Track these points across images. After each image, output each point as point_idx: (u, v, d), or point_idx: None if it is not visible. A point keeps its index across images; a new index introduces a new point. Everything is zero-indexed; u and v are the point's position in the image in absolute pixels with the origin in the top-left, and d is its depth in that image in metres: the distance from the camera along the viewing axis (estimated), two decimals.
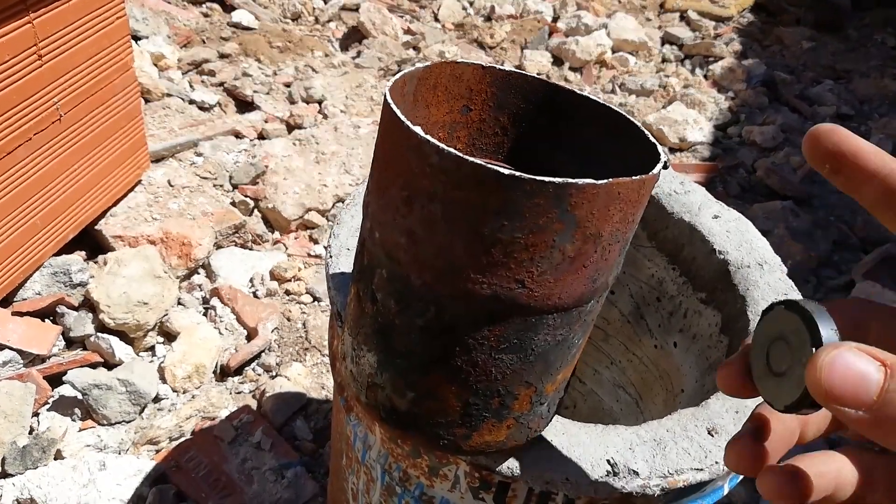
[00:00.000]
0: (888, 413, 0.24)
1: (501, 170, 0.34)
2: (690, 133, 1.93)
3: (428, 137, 0.35)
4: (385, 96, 0.38)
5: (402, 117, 0.36)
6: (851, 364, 0.25)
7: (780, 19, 2.78)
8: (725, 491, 0.58)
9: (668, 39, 2.49)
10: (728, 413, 0.56)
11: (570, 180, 0.34)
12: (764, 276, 0.76)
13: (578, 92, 0.48)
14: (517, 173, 0.34)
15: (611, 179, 0.35)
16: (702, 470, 0.51)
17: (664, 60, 2.37)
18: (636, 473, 0.51)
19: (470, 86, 0.48)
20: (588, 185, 0.34)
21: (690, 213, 0.80)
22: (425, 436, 0.43)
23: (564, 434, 0.54)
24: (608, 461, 0.51)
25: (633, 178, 0.36)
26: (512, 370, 0.41)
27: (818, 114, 2.17)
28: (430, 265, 0.38)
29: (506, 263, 0.36)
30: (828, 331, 0.28)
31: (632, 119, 0.45)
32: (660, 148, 0.41)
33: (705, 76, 2.30)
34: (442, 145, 0.35)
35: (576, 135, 0.48)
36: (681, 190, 0.83)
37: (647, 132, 0.43)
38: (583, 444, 0.53)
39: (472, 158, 0.34)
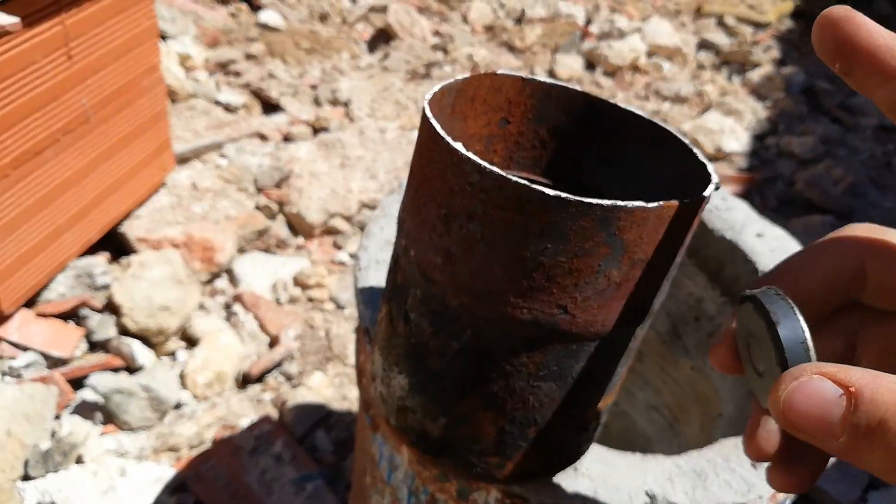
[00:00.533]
0: (855, 441, 0.23)
1: (546, 191, 0.32)
2: (727, 142, 1.88)
3: (469, 155, 0.33)
4: (424, 110, 0.37)
5: (443, 133, 0.35)
6: (814, 394, 0.24)
7: None
8: None
9: (704, 45, 2.44)
10: None
11: (619, 203, 0.32)
12: None
13: (622, 106, 0.46)
14: (563, 195, 0.32)
15: (662, 203, 0.33)
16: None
17: (700, 67, 2.32)
18: None
19: (509, 98, 0.46)
20: (638, 209, 0.32)
21: (733, 230, 0.77)
22: (457, 463, 0.42)
23: (602, 463, 0.52)
24: (647, 493, 0.49)
25: (686, 201, 0.34)
26: (550, 398, 0.39)
27: (860, 125, 2.10)
28: (468, 287, 0.36)
29: (548, 288, 0.35)
30: (791, 341, 0.28)
31: (680, 137, 0.42)
32: (710, 168, 0.38)
33: (742, 84, 2.25)
34: (484, 163, 0.33)
35: (619, 150, 0.47)
36: (723, 206, 0.80)
37: (696, 151, 0.41)
38: (620, 473, 0.51)
39: (515, 178, 0.33)
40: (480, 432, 0.40)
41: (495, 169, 0.33)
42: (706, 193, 0.35)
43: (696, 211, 0.35)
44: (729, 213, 0.80)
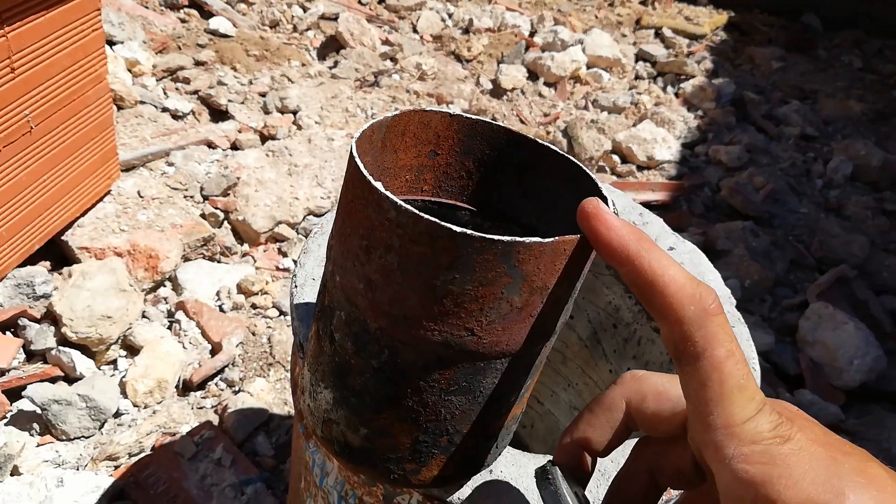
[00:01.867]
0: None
1: (454, 228, 0.36)
2: (659, 152, 1.96)
3: (387, 194, 0.37)
4: (351, 148, 0.40)
5: (365, 172, 0.38)
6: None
7: (753, 38, 2.84)
8: None
9: (642, 56, 2.53)
10: None
11: (518, 239, 0.36)
12: None
13: (540, 142, 0.49)
14: (468, 231, 0.36)
15: (557, 238, 0.37)
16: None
17: (637, 77, 2.41)
18: None
19: (437, 132, 0.50)
20: (535, 244, 0.36)
21: None
22: (376, 470, 0.45)
23: (514, 465, 0.56)
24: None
25: (579, 235, 0.37)
26: (461, 411, 0.43)
27: (783, 134, 2.22)
28: (386, 312, 0.40)
29: (456, 313, 0.38)
30: None
31: (588, 171, 0.47)
32: (610, 201, 0.43)
33: (676, 94, 2.34)
34: (399, 202, 0.36)
35: (537, 182, 0.50)
36: (639, 221, 0.85)
37: (601, 185, 0.45)
38: (531, 474, 0.55)
39: (427, 216, 0.36)
40: (397, 442, 0.44)
41: (409, 207, 0.36)
42: None
43: (589, 243, 0.39)
44: (645, 227, 0.85)
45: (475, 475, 0.50)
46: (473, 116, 0.50)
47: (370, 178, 0.38)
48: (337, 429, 0.45)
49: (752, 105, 2.32)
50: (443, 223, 0.36)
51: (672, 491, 0.42)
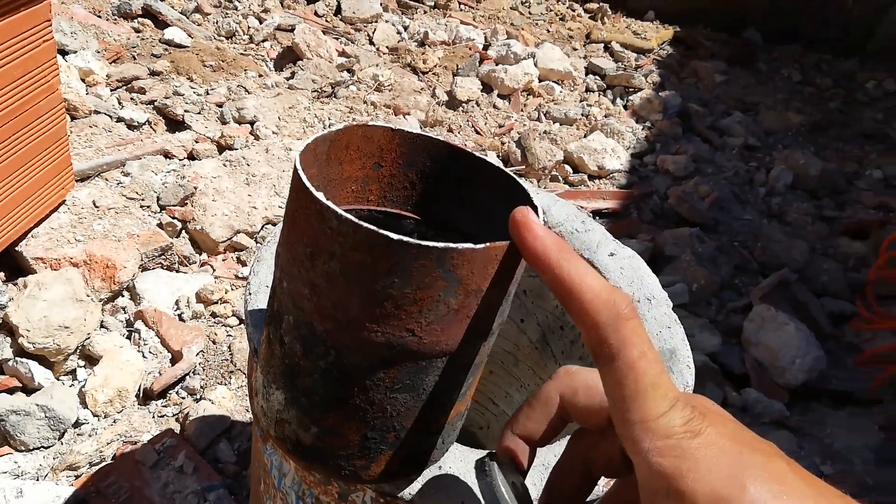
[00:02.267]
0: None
1: (392, 235, 0.38)
2: (609, 161, 2.04)
3: (328, 204, 0.39)
4: (295, 161, 0.42)
5: (308, 184, 0.40)
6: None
7: (697, 53, 2.95)
8: None
9: (592, 70, 2.61)
10: None
11: (452, 245, 0.38)
12: (651, 310, 0.83)
13: (477, 155, 0.53)
14: (405, 239, 0.38)
15: (487, 244, 0.39)
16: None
17: (588, 90, 2.49)
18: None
19: (381, 145, 0.52)
20: (467, 250, 0.39)
21: (589, 250, 0.87)
22: (328, 467, 0.47)
23: (462, 461, 0.58)
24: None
25: (508, 241, 0.40)
26: (406, 408, 0.45)
27: (727, 144, 2.32)
28: (331, 315, 0.42)
29: (397, 315, 0.41)
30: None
31: (521, 183, 0.51)
32: (540, 210, 0.46)
33: (625, 106, 2.43)
34: (341, 211, 0.39)
35: (475, 192, 0.53)
36: (581, 228, 0.90)
37: (532, 195, 0.49)
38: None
39: (366, 225, 0.38)
40: (346, 440, 0.46)
41: (350, 216, 0.38)
42: None
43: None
44: (587, 234, 0.90)
45: (424, 470, 0.52)
46: (414, 131, 0.52)
47: (312, 189, 0.40)
48: (289, 428, 0.47)
49: (697, 117, 2.42)
50: (381, 231, 0.38)
51: (606, 480, 0.45)
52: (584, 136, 2.15)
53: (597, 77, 2.57)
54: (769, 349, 1.51)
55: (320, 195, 0.40)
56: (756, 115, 2.57)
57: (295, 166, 0.42)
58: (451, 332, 0.42)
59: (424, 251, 0.38)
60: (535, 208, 0.46)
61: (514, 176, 0.51)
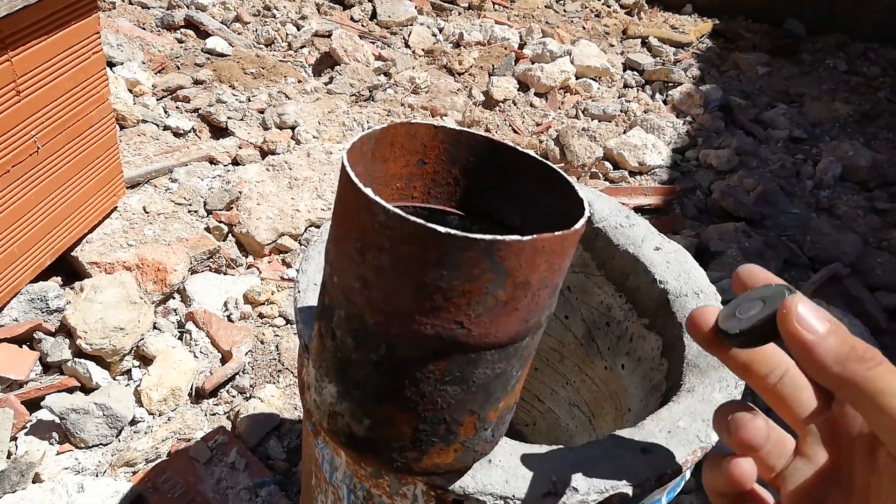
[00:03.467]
0: (827, 346, 0.34)
1: (439, 228, 0.38)
2: (649, 157, 2.01)
3: (377, 199, 0.40)
4: (343, 159, 0.43)
5: (356, 180, 0.41)
6: (810, 307, 0.35)
7: (737, 45, 2.90)
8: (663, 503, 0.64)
9: (629, 65, 2.59)
10: (661, 433, 0.61)
11: (499, 237, 0.39)
12: (699, 304, 0.82)
13: (518, 149, 0.53)
14: (453, 231, 0.38)
15: (535, 236, 0.39)
16: (635, 486, 0.57)
17: (626, 86, 2.47)
18: (576, 490, 0.56)
19: (424, 143, 0.53)
20: (514, 241, 0.39)
21: (634, 244, 0.86)
22: (380, 459, 0.48)
23: (512, 455, 0.58)
24: (551, 479, 0.56)
25: (556, 233, 0.40)
26: (456, 400, 0.46)
27: (772, 137, 2.27)
28: (381, 308, 0.42)
29: (446, 307, 0.41)
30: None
31: (563, 175, 0.51)
32: (586, 203, 0.46)
33: (664, 101, 2.40)
34: (389, 206, 0.39)
35: (518, 186, 0.54)
36: (626, 223, 0.89)
37: (576, 188, 0.49)
38: (529, 463, 0.57)
39: (413, 218, 0.39)
40: (399, 432, 0.46)
41: (398, 211, 0.39)
42: (576, 226, 0.42)
43: (567, 240, 0.41)
44: (631, 229, 0.89)
45: (474, 464, 0.52)
46: (457, 128, 0.53)
47: (360, 185, 0.40)
48: (342, 420, 0.48)
49: (740, 110, 2.37)
50: (428, 224, 0.38)
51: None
52: (624, 133, 2.13)
53: (635, 73, 2.54)
54: None
55: (368, 191, 0.40)
56: (801, 106, 2.50)
57: (343, 164, 0.43)
58: (500, 324, 0.43)
59: (471, 243, 0.39)
60: (579, 200, 0.47)
61: (556, 168, 0.51)
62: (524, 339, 0.46)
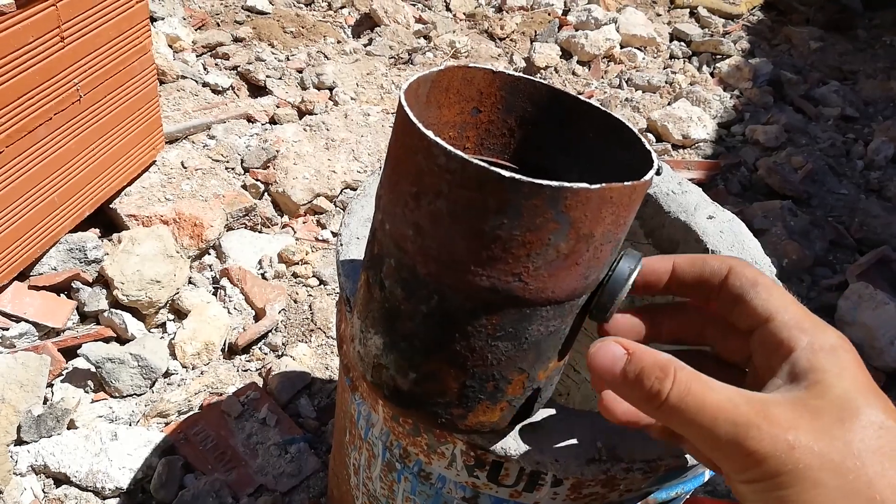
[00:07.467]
0: (628, 382, 0.37)
1: (503, 172, 0.36)
2: (694, 130, 1.95)
3: (437, 139, 0.37)
4: (400, 98, 0.40)
5: (415, 119, 0.38)
6: (609, 350, 0.38)
7: (790, 18, 2.78)
8: (706, 477, 0.62)
9: (676, 36, 2.50)
10: None
11: (566, 184, 0.36)
12: None
13: (582, 99, 0.50)
14: (517, 176, 0.36)
15: (603, 185, 0.37)
16: (681, 457, 0.55)
17: (672, 57, 2.39)
18: (621, 459, 0.54)
19: (480, 89, 0.50)
20: (582, 189, 0.36)
21: (686, 212, 0.82)
22: (425, 414, 0.46)
23: (557, 419, 0.56)
24: (596, 445, 0.54)
25: (625, 184, 0.38)
26: (507, 357, 0.44)
27: (822, 114, 2.19)
28: (435, 257, 0.40)
29: (504, 258, 0.39)
30: (618, 275, 0.42)
31: (630, 126, 0.48)
32: (654, 155, 0.43)
33: (712, 74, 2.32)
34: (449, 147, 0.37)
35: (579, 138, 0.51)
36: (678, 190, 0.86)
37: (643, 139, 0.46)
38: (574, 429, 0.55)
39: (476, 160, 0.36)
40: (445, 387, 0.45)
41: (459, 152, 0.37)
42: (646, 178, 0.39)
43: (635, 192, 0.39)
44: (683, 196, 0.85)
45: (518, 424, 0.51)
46: (515, 73, 0.50)
47: (420, 125, 0.38)
48: (387, 373, 0.46)
49: (790, 85, 2.29)
50: (492, 168, 0.36)
51: None
52: (668, 104, 2.07)
53: (682, 43, 2.46)
54: (866, 329, 1.43)
55: (429, 132, 0.38)
56: (854, 84, 2.40)
57: (400, 103, 0.40)
58: (558, 279, 0.40)
59: (537, 189, 0.36)
60: (646, 151, 0.44)
61: (622, 118, 0.48)
62: (581, 297, 0.43)
